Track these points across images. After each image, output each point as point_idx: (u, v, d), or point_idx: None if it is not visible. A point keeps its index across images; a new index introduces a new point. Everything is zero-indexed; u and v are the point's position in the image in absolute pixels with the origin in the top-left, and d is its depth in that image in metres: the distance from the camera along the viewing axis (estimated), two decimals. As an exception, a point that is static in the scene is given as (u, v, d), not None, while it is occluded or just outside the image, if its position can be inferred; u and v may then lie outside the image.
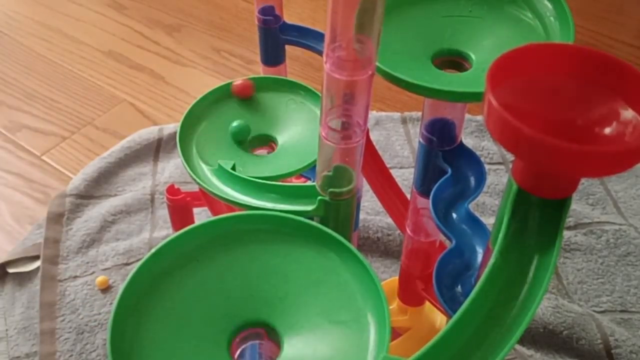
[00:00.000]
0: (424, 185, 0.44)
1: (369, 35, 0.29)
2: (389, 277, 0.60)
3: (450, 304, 0.36)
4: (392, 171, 0.52)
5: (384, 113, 0.82)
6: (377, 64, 0.34)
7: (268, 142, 0.47)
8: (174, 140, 0.77)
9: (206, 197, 0.55)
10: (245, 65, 0.93)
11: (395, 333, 0.56)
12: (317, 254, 0.31)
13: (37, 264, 0.64)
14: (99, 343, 0.58)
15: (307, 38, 0.52)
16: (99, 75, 0.91)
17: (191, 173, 0.43)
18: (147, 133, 0.78)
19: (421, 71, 0.35)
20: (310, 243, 0.31)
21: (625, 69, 0.23)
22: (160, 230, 0.68)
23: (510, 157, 0.76)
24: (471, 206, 0.39)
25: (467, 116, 0.79)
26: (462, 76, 0.36)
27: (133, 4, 1.05)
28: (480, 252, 0.37)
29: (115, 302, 0.28)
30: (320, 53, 0.49)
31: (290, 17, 0.52)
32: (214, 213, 0.56)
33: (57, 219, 0.68)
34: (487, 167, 0.57)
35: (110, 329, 0.27)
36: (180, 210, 0.60)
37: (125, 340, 0.28)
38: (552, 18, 0.36)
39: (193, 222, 0.61)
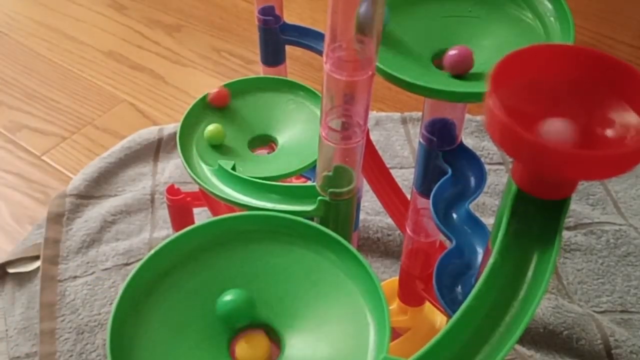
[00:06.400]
0: (424, 185, 0.44)
1: (369, 36, 0.29)
2: (389, 277, 0.60)
3: (450, 304, 0.36)
4: (392, 171, 0.52)
5: (384, 113, 0.82)
6: (377, 64, 0.34)
7: (268, 142, 0.47)
8: (174, 140, 0.77)
9: (206, 198, 0.55)
10: (245, 65, 0.93)
11: (395, 333, 0.56)
12: (316, 254, 0.31)
13: (37, 264, 0.64)
14: (99, 343, 0.58)
15: (307, 38, 0.52)
16: (99, 75, 0.91)
17: (191, 173, 0.43)
18: (147, 133, 0.78)
19: (421, 71, 0.35)
20: (309, 243, 0.31)
21: (626, 70, 0.23)
22: (160, 230, 0.68)
23: (510, 157, 0.75)
24: (471, 206, 0.39)
25: (467, 116, 0.79)
26: (462, 76, 0.36)
27: (133, 4, 1.05)
28: (480, 252, 0.37)
29: (115, 302, 0.28)
30: (320, 53, 0.49)
31: (290, 17, 0.52)
32: (214, 213, 0.56)
33: (57, 219, 0.68)
34: (487, 167, 0.57)
35: (110, 329, 0.27)
36: (180, 210, 0.60)
37: (125, 340, 0.28)
38: (552, 18, 0.36)
39: (193, 222, 0.61)
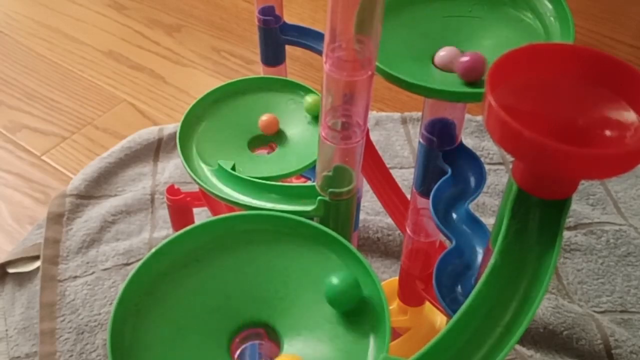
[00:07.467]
0: (424, 185, 0.44)
1: (369, 36, 0.29)
2: (389, 277, 0.60)
3: (450, 305, 0.36)
4: (392, 171, 0.52)
5: (384, 113, 0.82)
6: (377, 64, 0.34)
7: (268, 142, 0.47)
8: (174, 140, 0.77)
9: (206, 197, 0.55)
10: (245, 65, 0.93)
11: (395, 333, 0.56)
12: (317, 254, 0.31)
13: (37, 264, 0.64)
14: (99, 343, 0.58)
15: (307, 38, 0.52)
16: (99, 75, 0.91)
17: (191, 173, 0.43)
18: (147, 133, 0.78)
19: (421, 71, 0.35)
20: (310, 243, 0.31)
21: (625, 69, 0.23)
22: (160, 230, 0.68)
23: (510, 157, 0.76)
24: (471, 206, 0.39)
25: (467, 116, 0.79)
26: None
27: (133, 4, 1.05)
28: (480, 252, 0.37)
29: (115, 302, 0.28)
30: (320, 53, 0.49)
31: (290, 17, 0.52)
32: (214, 213, 0.56)
33: (57, 219, 0.68)
34: (487, 167, 0.57)
35: (110, 329, 0.27)
36: (180, 210, 0.60)
37: (125, 340, 0.28)
38: (552, 18, 0.36)
39: (193, 222, 0.61)
